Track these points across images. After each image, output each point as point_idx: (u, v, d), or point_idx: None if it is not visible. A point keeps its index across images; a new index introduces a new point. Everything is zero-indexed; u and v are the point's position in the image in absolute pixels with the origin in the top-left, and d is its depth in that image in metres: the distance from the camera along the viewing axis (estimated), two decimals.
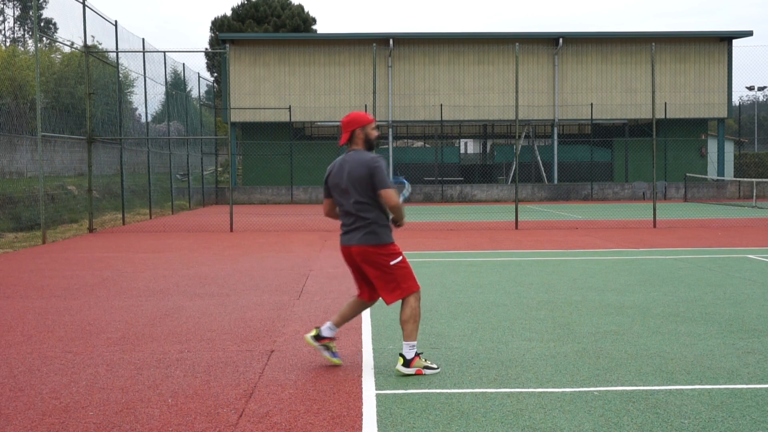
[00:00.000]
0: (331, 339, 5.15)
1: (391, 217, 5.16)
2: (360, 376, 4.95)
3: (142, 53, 21.62)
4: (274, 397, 4.52)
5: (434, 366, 5.01)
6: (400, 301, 5.03)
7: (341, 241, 5.12)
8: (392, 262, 4.96)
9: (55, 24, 55.14)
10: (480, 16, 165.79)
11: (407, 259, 5.12)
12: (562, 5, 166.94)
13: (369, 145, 5.10)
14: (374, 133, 5.13)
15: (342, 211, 5.10)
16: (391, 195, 4.96)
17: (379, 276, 4.97)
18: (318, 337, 5.12)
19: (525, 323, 6.57)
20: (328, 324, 5.19)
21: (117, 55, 20.44)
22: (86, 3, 17.04)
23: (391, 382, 4.79)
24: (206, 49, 54.89)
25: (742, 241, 13.79)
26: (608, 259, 11.27)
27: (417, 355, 4.96)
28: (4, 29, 74.29)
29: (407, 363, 4.91)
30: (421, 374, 4.90)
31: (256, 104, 32.65)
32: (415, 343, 4.96)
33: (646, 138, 34.42)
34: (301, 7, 53.26)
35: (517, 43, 18.38)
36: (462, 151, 45.50)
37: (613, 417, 4.12)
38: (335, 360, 5.16)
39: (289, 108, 32.36)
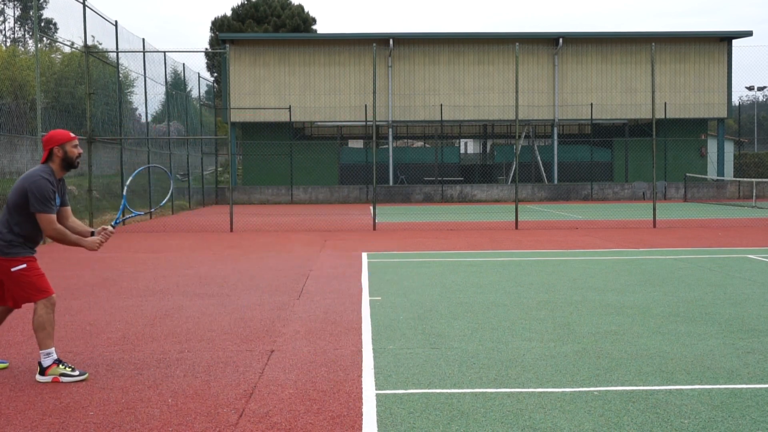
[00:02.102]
0: None
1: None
2: (360, 376, 4.95)
3: (142, 53, 21.63)
4: (274, 397, 4.52)
5: (75, 373, 4.86)
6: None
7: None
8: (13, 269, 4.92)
9: (55, 24, 55.11)
10: (480, 16, 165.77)
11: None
12: (562, 5, 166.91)
13: (68, 163, 5.05)
14: (75, 152, 5.07)
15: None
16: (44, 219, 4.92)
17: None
18: None
19: (525, 323, 6.57)
20: None
21: (117, 55, 20.44)
22: (86, 3, 17.05)
23: (391, 382, 4.79)
24: (206, 49, 54.90)
25: (742, 241, 13.79)
26: (608, 259, 11.27)
27: (55, 362, 4.87)
28: (5, 29, 74.31)
29: (42, 371, 4.85)
30: (58, 381, 4.81)
31: (256, 104, 32.65)
32: (50, 350, 4.89)
33: (646, 138, 34.42)
34: (301, 7, 53.27)
35: (517, 43, 18.38)
36: (462, 151, 45.50)
37: (613, 417, 4.12)
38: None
39: (289, 108, 32.35)
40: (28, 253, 4.98)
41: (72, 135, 5.07)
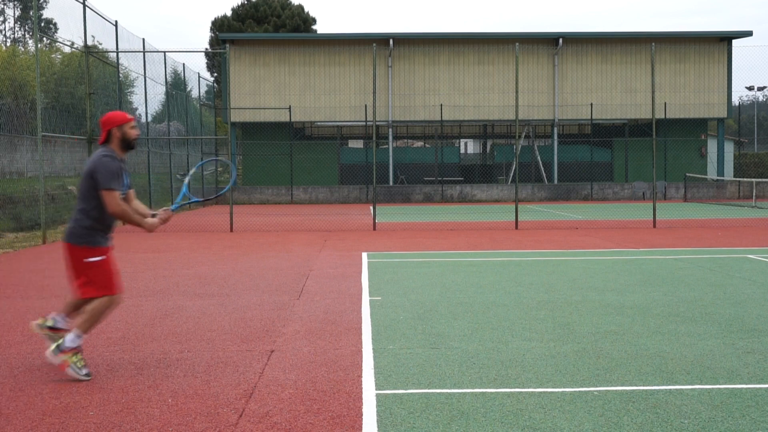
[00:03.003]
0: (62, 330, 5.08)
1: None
2: (360, 376, 4.95)
3: (142, 53, 21.63)
4: (274, 397, 4.52)
5: (82, 371, 4.81)
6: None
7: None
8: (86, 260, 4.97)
9: (55, 24, 55.09)
10: (480, 16, 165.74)
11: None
12: (562, 5, 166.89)
13: (126, 143, 5.10)
14: (132, 132, 5.13)
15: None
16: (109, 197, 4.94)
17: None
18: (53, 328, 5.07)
19: (525, 323, 6.57)
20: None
21: (117, 55, 20.44)
22: (86, 3, 17.05)
23: (391, 382, 4.79)
24: (206, 49, 54.89)
25: (742, 241, 13.79)
26: (608, 259, 11.27)
27: (75, 348, 4.84)
28: (5, 29, 74.30)
29: (60, 349, 4.82)
30: (63, 369, 4.81)
31: (256, 104, 32.65)
32: (81, 336, 4.90)
33: (646, 138, 34.42)
34: (301, 7, 53.26)
35: (517, 43, 18.38)
36: (462, 151, 45.50)
37: (613, 417, 4.12)
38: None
39: (289, 108, 32.35)
40: (104, 243, 5.02)
41: (129, 116, 5.13)
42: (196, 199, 5.87)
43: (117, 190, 4.93)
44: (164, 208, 5.33)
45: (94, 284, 4.94)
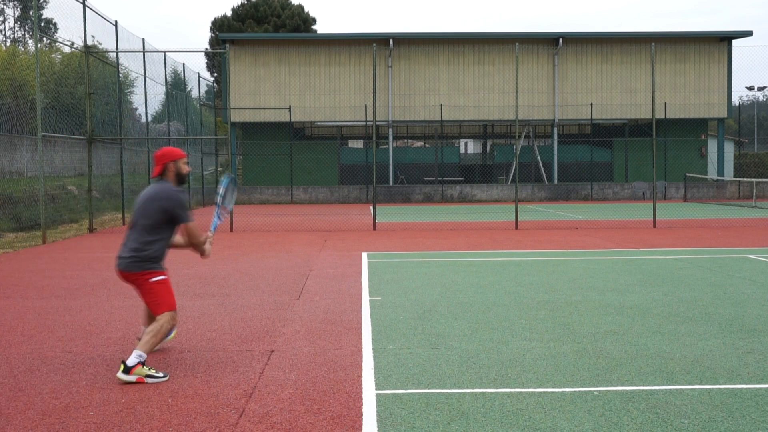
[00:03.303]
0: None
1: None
2: (360, 376, 4.95)
3: (142, 53, 21.63)
4: (274, 397, 4.52)
5: (159, 375, 4.91)
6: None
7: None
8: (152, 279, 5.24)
9: (55, 24, 55.10)
10: (480, 16, 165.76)
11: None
12: (562, 5, 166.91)
13: (180, 178, 5.43)
14: (186, 168, 5.46)
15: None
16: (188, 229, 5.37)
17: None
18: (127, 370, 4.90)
19: (525, 323, 6.57)
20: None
21: (117, 55, 20.44)
22: (86, 3, 17.04)
23: (391, 382, 4.79)
24: (206, 49, 54.89)
25: (742, 241, 13.79)
26: (608, 259, 11.27)
27: (140, 363, 4.88)
28: (5, 29, 74.30)
29: (127, 370, 4.85)
30: (142, 382, 4.83)
31: (256, 104, 32.65)
32: (144, 354, 4.93)
33: (646, 138, 34.42)
34: (301, 7, 53.27)
35: (517, 43, 18.38)
36: (462, 151, 45.49)
37: (613, 417, 4.12)
38: (171, 336, 5.66)
39: (289, 108, 32.36)
40: (161, 267, 5.30)
41: (183, 152, 5.46)
42: (218, 221, 5.97)
43: (193, 221, 5.36)
44: (206, 233, 5.66)
45: (164, 300, 5.21)
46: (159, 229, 5.22)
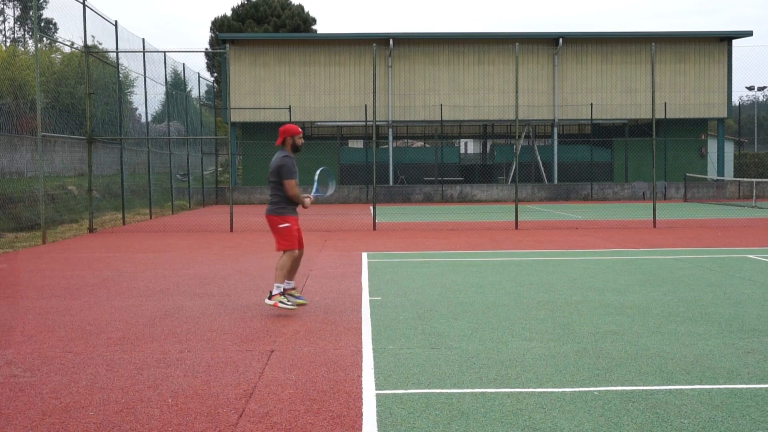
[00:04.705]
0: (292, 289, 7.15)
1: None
2: (360, 376, 4.95)
3: (142, 53, 21.63)
4: (274, 397, 4.52)
5: (289, 304, 6.94)
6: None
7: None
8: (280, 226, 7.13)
9: (55, 24, 55.12)
10: (480, 16, 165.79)
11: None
12: (562, 5, 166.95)
13: (295, 148, 7.24)
14: (300, 141, 7.23)
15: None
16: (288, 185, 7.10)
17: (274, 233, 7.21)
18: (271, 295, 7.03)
19: (525, 323, 6.57)
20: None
21: (117, 55, 20.43)
22: (86, 3, 17.04)
23: (391, 382, 4.79)
24: (206, 49, 54.89)
25: (742, 241, 13.79)
26: (608, 259, 11.27)
27: (280, 292, 6.96)
28: (5, 29, 74.29)
29: (270, 296, 6.99)
30: (277, 306, 6.91)
31: (256, 104, 32.65)
32: (281, 285, 6.99)
33: (646, 138, 34.42)
34: (301, 7, 53.26)
35: (517, 43, 18.38)
36: (462, 151, 45.49)
37: (613, 417, 4.12)
38: (301, 301, 7.14)
39: (289, 108, 32.35)
40: (293, 213, 7.17)
41: (299, 129, 7.24)
42: (320, 193, 7.53)
43: (293, 179, 7.06)
44: (306, 195, 7.33)
45: (284, 241, 7.07)
46: (280, 184, 7.06)
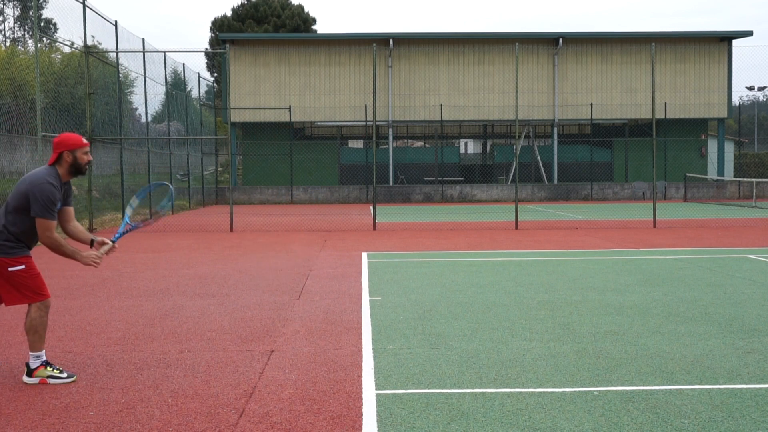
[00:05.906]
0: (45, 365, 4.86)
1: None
2: (360, 376, 4.95)
3: (142, 53, 21.63)
4: (274, 397, 4.52)
5: (63, 375, 4.80)
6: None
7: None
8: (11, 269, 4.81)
9: (55, 24, 55.09)
10: (480, 16, 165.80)
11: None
12: (562, 5, 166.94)
13: (76, 169, 4.92)
14: (85, 158, 4.94)
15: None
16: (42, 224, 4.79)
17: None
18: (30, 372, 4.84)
19: (525, 323, 6.57)
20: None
21: (117, 55, 20.43)
22: (86, 3, 17.04)
23: (391, 382, 4.79)
24: (206, 49, 54.89)
25: (742, 241, 13.78)
26: (608, 259, 11.27)
27: (43, 364, 4.81)
28: (4, 29, 74.28)
29: (30, 373, 4.80)
30: (45, 383, 4.76)
31: (256, 104, 32.65)
32: (40, 353, 4.83)
33: (646, 138, 34.42)
34: (301, 7, 53.27)
35: (517, 43, 18.38)
36: (462, 151, 45.49)
37: (613, 417, 4.12)
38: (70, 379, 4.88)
39: (289, 108, 32.36)
40: (25, 253, 4.87)
41: (84, 141, 4.94)
42: (136, 225, 5.50)
43: (51, 219, 4.77)
44: (103, 239, 5.12)
45: (28, 291, 4.86)
46: (19, 213, 4.78)
